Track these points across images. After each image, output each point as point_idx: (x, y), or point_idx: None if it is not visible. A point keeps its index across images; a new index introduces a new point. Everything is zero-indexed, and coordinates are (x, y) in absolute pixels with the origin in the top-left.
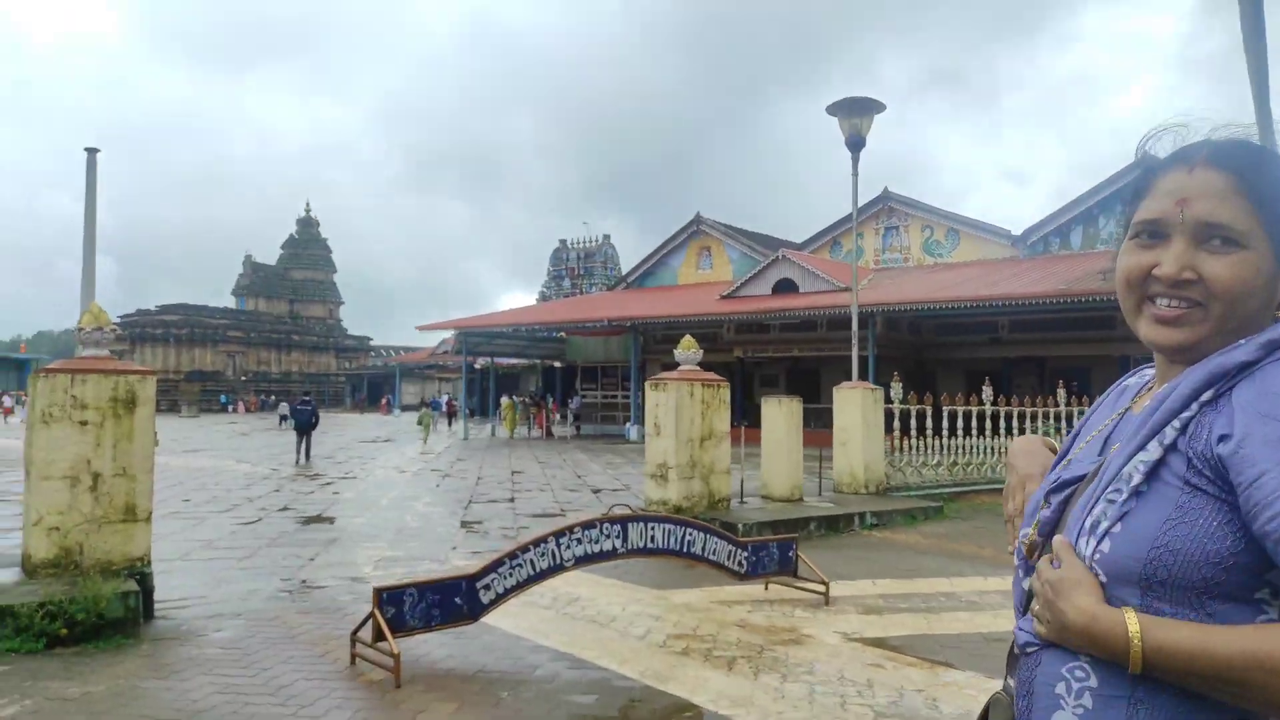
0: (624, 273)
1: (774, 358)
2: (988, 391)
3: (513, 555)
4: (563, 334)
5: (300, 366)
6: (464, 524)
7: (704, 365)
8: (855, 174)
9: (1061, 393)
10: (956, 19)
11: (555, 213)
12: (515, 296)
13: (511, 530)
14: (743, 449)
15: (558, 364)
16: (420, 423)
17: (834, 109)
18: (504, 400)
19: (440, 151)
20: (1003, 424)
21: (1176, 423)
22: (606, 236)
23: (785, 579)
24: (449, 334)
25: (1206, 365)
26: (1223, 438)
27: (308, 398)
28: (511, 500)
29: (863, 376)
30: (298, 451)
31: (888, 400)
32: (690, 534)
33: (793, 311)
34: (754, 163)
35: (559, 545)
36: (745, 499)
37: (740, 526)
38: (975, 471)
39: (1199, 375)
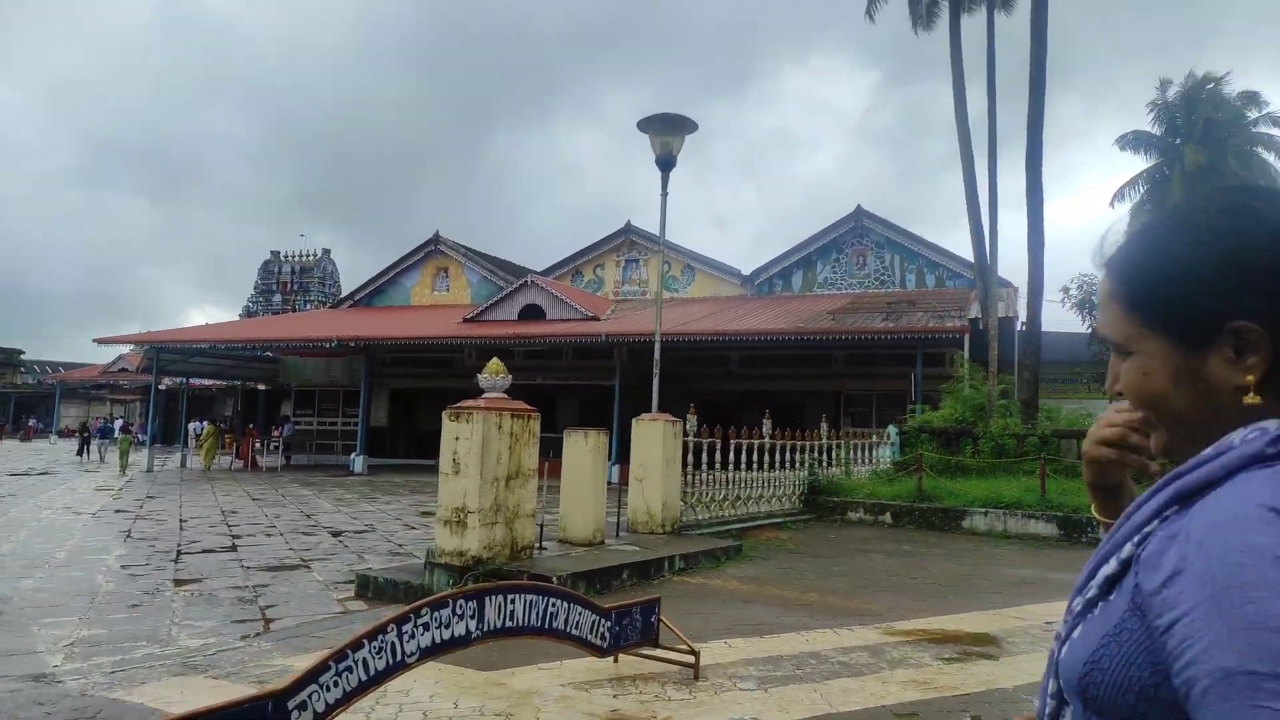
0: (343, 291)
1: (515, 385)
2: (767, 424)
3: (339, 656)
4: (269, 353)
5: None
6: (180, 584)
7: (440, 392)
8: (664, 194)
9: (768, 424)
10: (676, 67)
11: (262, 223)
12: (209, 311)
13: (247, 590)
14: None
15: (262, 386)
16: (120, 450)
17: (645, 125)
18: (205, 426)
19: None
20: (778, 457)
21: (1137, 538)
22: (326, 251)
23: (645, 648)
24: (127, 349)
25: (1175, 482)
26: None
27: None
28: (233, 549)
29: (608, 407)
30: None
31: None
32: (553, 605)
33: (545, 339)
34: (483, 189)
35: (401, 636)
36: (543, 544)
37: (554, 580)
38: (756, 506)
39: (1166, 493)
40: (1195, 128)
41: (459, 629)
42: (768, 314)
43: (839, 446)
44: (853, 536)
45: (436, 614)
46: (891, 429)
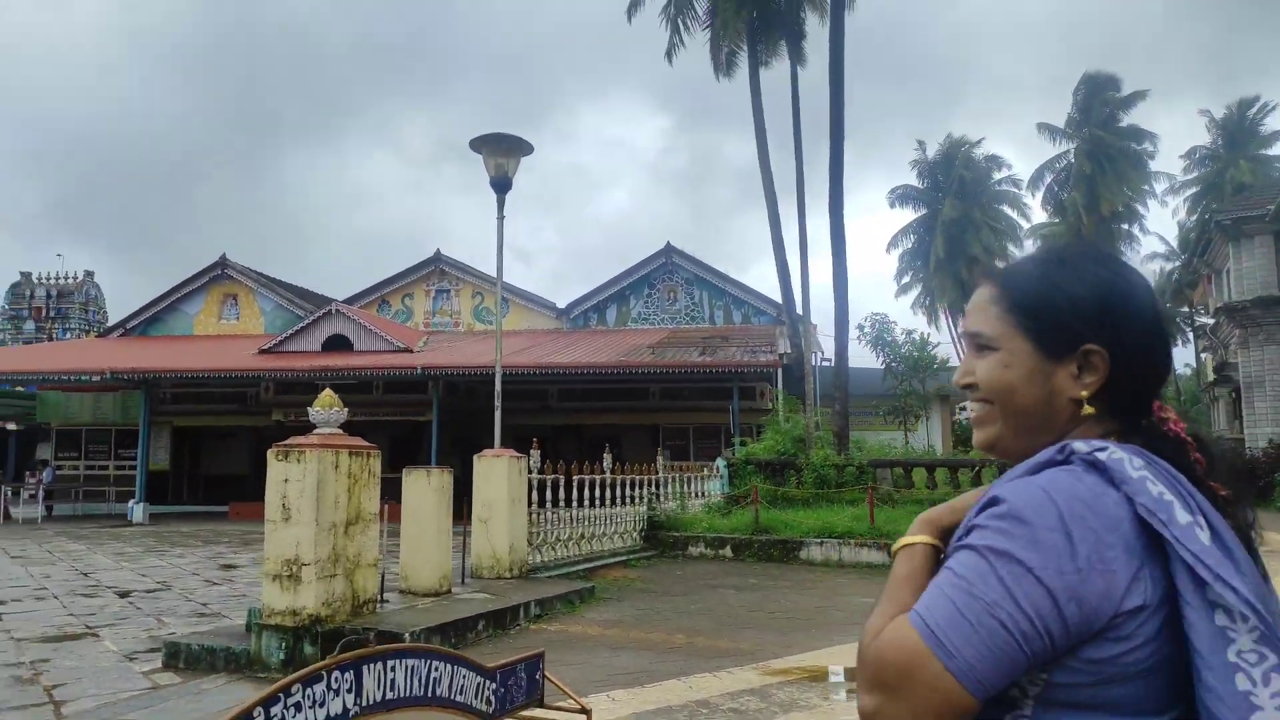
0: (110, 318)
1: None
2: (608, 459)
3: None
4: (21, 388)
5: None
6: None
7: (230, 430)
8: (500, 217)
9: (609, 458)
10: (473, 98)
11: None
12: None
13: (23, 668)
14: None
15: (11, 426)
16: None
17: (478, 144)
18: None
19: None
20: (618, 492)
21: (960, 531)
22: (89, 274)
23: (531, 709)
24: None
25: (1001, 479)
26: None
27: None
28: None
29: (421, 442)
30: None
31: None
32: (436, 669)
33: (355, 371)
34: (270, 212)
35: None
36: (385, 597)
37: (406, 637)
38: (600, 544)
39: (992, 489)
40: (952, 184)
41: (335, 707)
42: (586, 347)
43: (674, 481)
44: (698, 572)
45: (310, 690)
46: (720, 462)
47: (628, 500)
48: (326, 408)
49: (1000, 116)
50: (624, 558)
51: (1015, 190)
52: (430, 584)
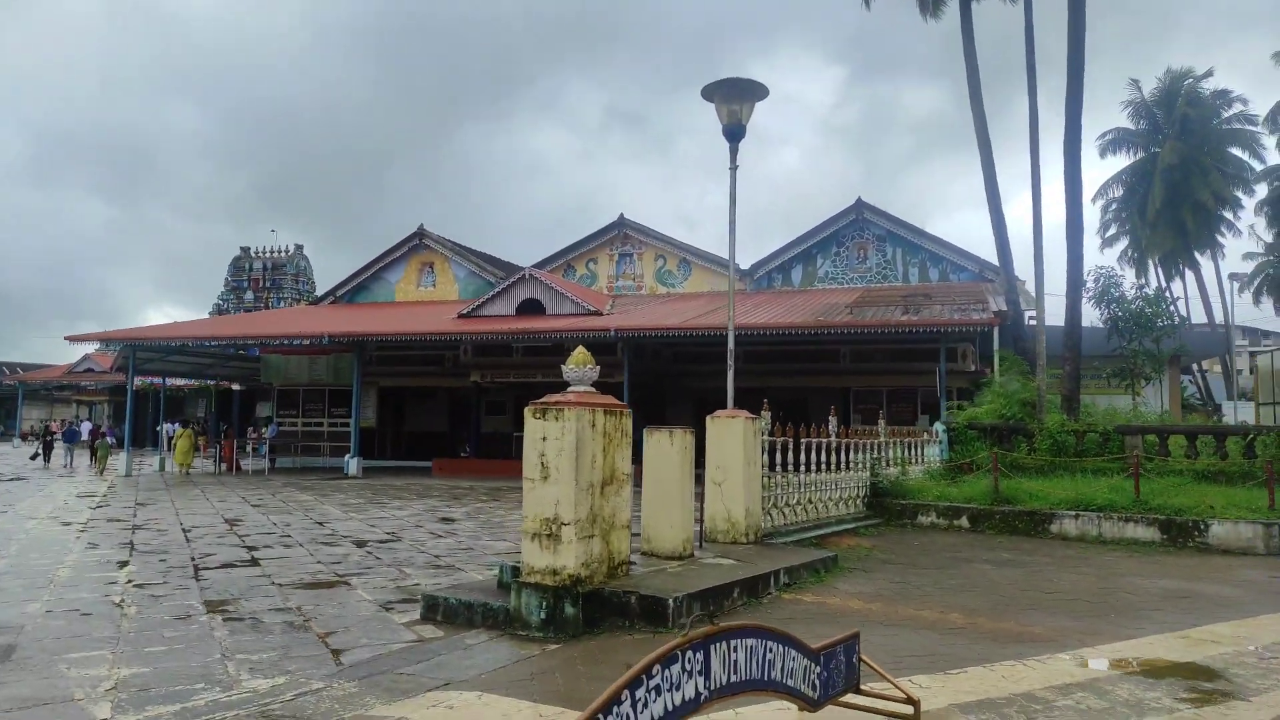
0: (317, 288)
1: (514, 383)
2: (833, 421)
3: None
4: (247, 351)
5: None
6: (211, 606)
7: (431, 390)
8: (734, 166)
9: (834, 420)
10: (638, 63)
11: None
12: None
13: (292, 613)
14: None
15: (236, 386)
16: (99, 454)
17: (710, 92)
18: (178, 429)
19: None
20: (841, 456)
21: None
22: (299, 247)
23: (849, 695)
24: (91, 349)
25: None
26: None
27: None
28: (254, 563)
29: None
30: None
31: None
32: (770, 650)
33: (549, 334)
34: (450, 185)
35: (636, 707)
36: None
37: (670, 604)
38: (826, 510)
39: None
40: (1174, 124)
41: (688, 690)
42: (774, 309)
43: (895, 445)
44: (937, 543)
45: (666, 672)
46: (939, 426)
47: (850, 465)
48: (580, 365)
49: (1225, 47)
50: (851, 525)
51: (1249, 129)
52: (673, 547)
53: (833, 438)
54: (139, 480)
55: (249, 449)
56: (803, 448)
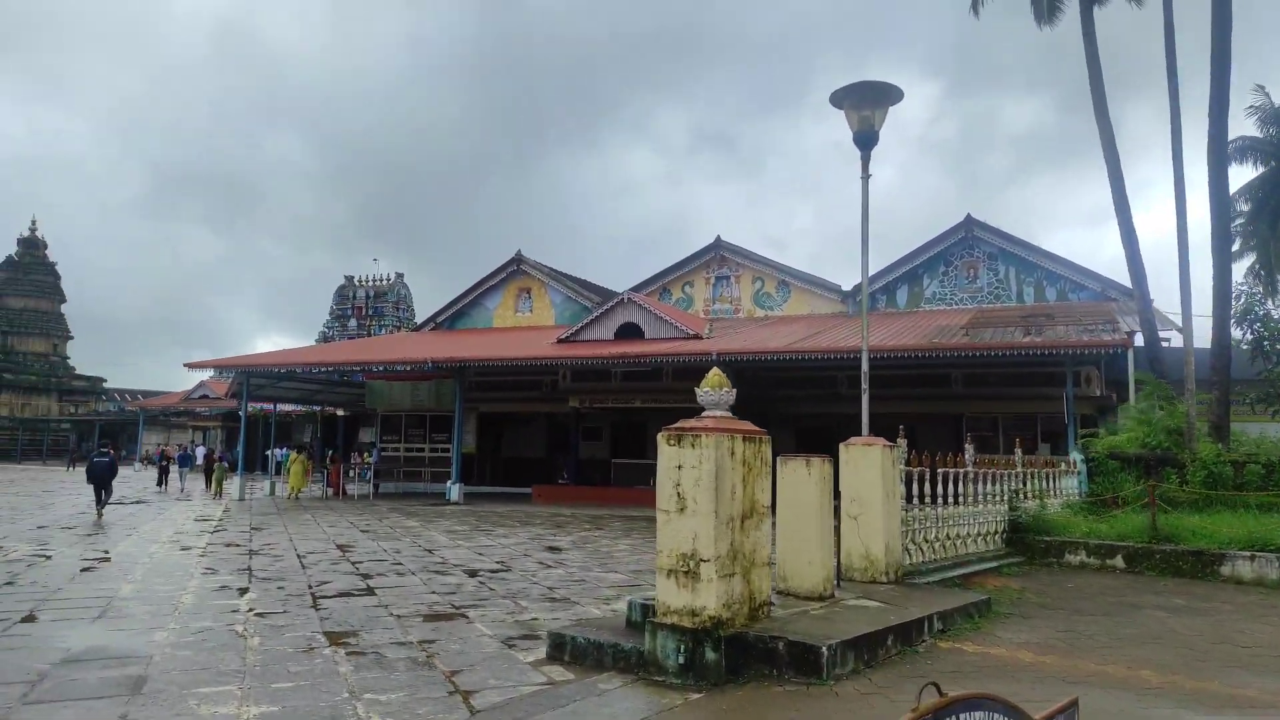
0: (416, 315)
1: (612, 408)
2: (970, 450)
3: None
4: (349, 377)
5: (12, 410)
6: (333, 639)
7: (528, 416)
8: (865, 175)
9: (970, 449)
10: (725, 82)
11: (324, 249)
12: (275, 339)
13: (414, 648)
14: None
15: (341, 412)
16: (215, 478)
17: (839, 98)
18: (291, 454)
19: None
20: (977, 488)
21: None
22: (400, 275)
23: None
24: (207, 376)
25: None
26: None
27: (105, 448)
28: (370, 591)
29: None
30: (98, 505)
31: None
32: None
33: (648, 358)
34: (539, 211)
35: None
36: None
37: (825, 653)
38: (964, 546)
39: None
40: None
41: None
42: (882, 331)
43: (1033, 477)
44: (1092, 585)
45: None
46: (1077, 455)
47: (985, 498)
48: (716, 388)
49: None
50: (992, 564)
51: None
52: (812, 585)
53: (969, 468)
54: (252, 505)
55: (354, 474)
56: (939, 479)
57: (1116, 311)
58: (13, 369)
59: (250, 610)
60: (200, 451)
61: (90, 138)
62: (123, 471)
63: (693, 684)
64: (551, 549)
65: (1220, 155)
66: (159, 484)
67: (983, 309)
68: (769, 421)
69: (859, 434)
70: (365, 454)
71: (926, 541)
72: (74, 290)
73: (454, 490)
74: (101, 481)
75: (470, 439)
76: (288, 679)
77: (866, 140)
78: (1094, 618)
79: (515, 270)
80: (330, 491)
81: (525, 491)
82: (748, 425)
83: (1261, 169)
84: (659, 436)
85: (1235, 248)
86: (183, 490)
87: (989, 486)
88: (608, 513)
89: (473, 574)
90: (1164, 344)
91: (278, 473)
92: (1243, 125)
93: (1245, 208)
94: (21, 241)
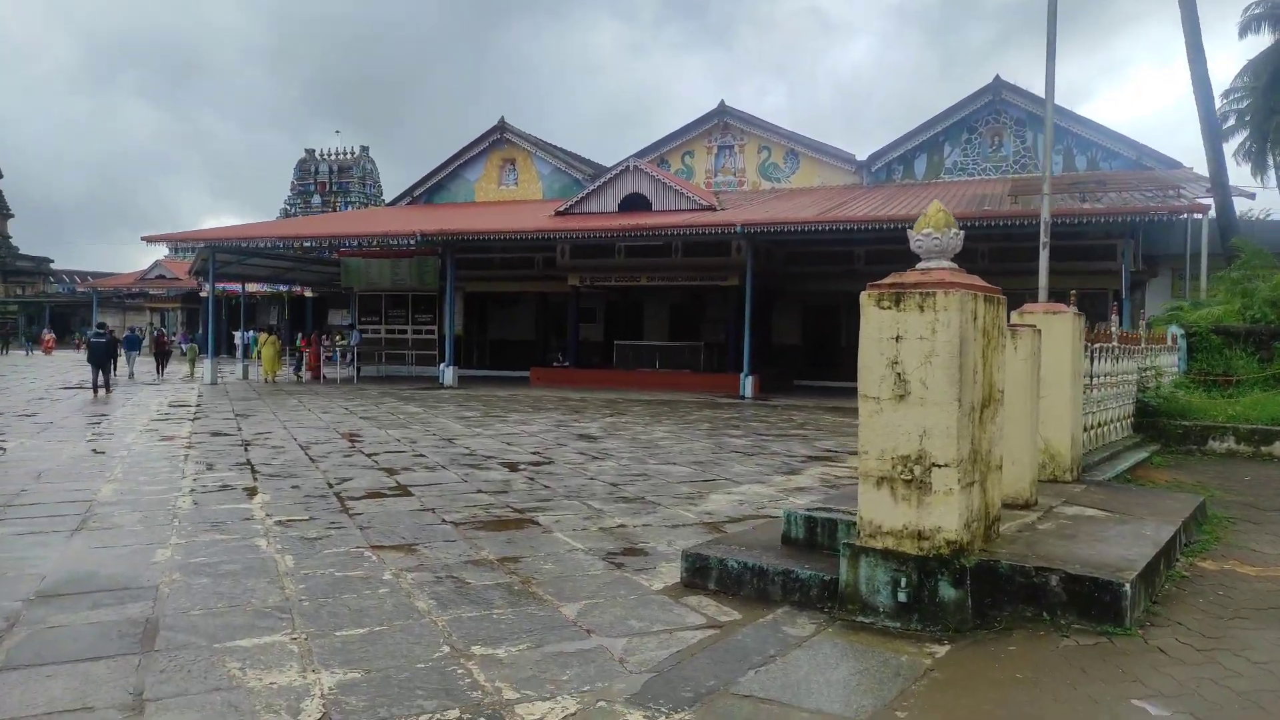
0: (384, 191)
1: (612, 287)
2: (1116, 320)
3: None
4: (319, 253)
5: None
6: (385, 556)
7: (515, 296)
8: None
9: (1116, 318)
10: None
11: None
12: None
13: (493, 567)
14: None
15: (309, 293)
16: (189, 359)
17: None
18: (261, 335)
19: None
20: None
21: None
22: (365, 149)
23: None
24: (162, 255)
25: None
26: None
27: (102, 329)
28: (404, 491)
29: (739, 311)
30: (94, 385)
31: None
32: None
33: (662, 230)
34: (505, 88)
35: None
36: None
37: (1127, 591)
38: (1108, 433)
39: None
40: None
41: None
42: (903, 204)
43: (1145, 353)
44: (1273, 478)
45: None
46: (1175, 330)
47: (1121, 378)
48: (940, 229)
49: None
50: (1141, 453)
51: None
52: (1017, 491)
53: (1114, 342)
54: (227, 389)
55: (336, 358)
56: (1094, 354)
57: (1181, 179)
58: None
59: (268, 517)
60: (150, 334)
61: (8, 2)
62: (64, 355)
63: (922, 629)
64: (584, 437)
65: None
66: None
67: (1020, 178)
68: (773, 301)
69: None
70: (339, 336)
71: (1086, 430)
72: (7, 168)
73: (447, 373)
74: (100, 362)
75: (457, 320)
76: (352, 620)
77: None
78: None
79: (498, 140)
80: (308, 375)
81: (518, 375)
82: (980, 281)
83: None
84: (863, 297)
85: (1229, 124)
86: (131, 375)
87: (1125, 363)
88: (617, 396)
89: (513, 467)
90: (1245, 214)
91: (246, 355)
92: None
93: (1259, 80)
94: None
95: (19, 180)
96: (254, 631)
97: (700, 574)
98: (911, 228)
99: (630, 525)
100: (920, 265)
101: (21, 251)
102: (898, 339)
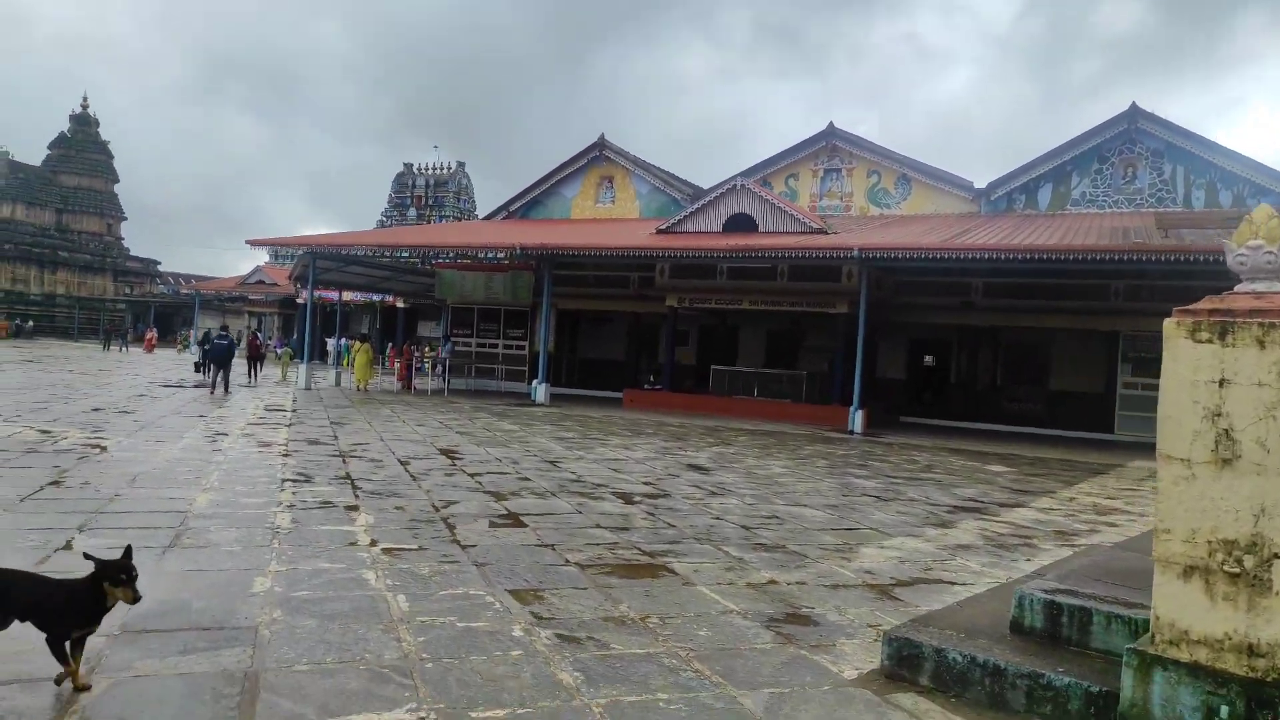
0: (478, 207)
1: (712, 309)
2: None
3: None
4: (421, 264)
5: (69, 288)
6: (510, 605)
7: (608, 315)
8: None
9: None
10: None
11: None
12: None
13: (637, 627)
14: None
15: (401, 304)
16: (281, 364)
17: None
18: (355, 343)
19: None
20: None
21: None
22: (461, 164)
23: None
24: (263, 261)
25: None
26: None
27: (224, 331)
28: (516, 521)
29: (847, 340)
30: (212, 384)
31: None
32: None
33: (772, 252)
34: (594, 110)
35: None
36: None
37: None
38: None
39: None
40: None
41: None
42: (1032, 234)
43: None
44: None
45: None
46: None
47: None
48: (1275, 243)
49: None
50: None
51: None
52: None
53: None
54: (320, 395)
55: (428, 369)
56: None
57: None
58: (68, 247)
59: (373, 543)
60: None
61: (129, 16)
62: (166, 355)
63: None
64: (695, 468)
65: None
66: (199, 371)
67: (1161, 212)
68: (888, 326)
69: (988, 350)
70: (429, 347)
71: None
72: (121, 174)
73: (539, 390)
74: (221, 362)
75: (550, 337)
76: (487, 696)
77: None
78: None
79: (597, 156)
80: (399, 386)
81: (608, 395)
82: None
83: None
84: (1167, 325)
85: None
86: (251, 378)
87: None
88: (716, 423)
89: (627, 499)
90: None
91: (339, 363)
92: None
93: None
94: (74, 118)
95: (132, 185)
96: (372, 702)
97: (908, 664)
98: (1119, 256)
99: (782, 582)
100: (1243, 288)
101: (132, 253)
102: (1222, 383)
